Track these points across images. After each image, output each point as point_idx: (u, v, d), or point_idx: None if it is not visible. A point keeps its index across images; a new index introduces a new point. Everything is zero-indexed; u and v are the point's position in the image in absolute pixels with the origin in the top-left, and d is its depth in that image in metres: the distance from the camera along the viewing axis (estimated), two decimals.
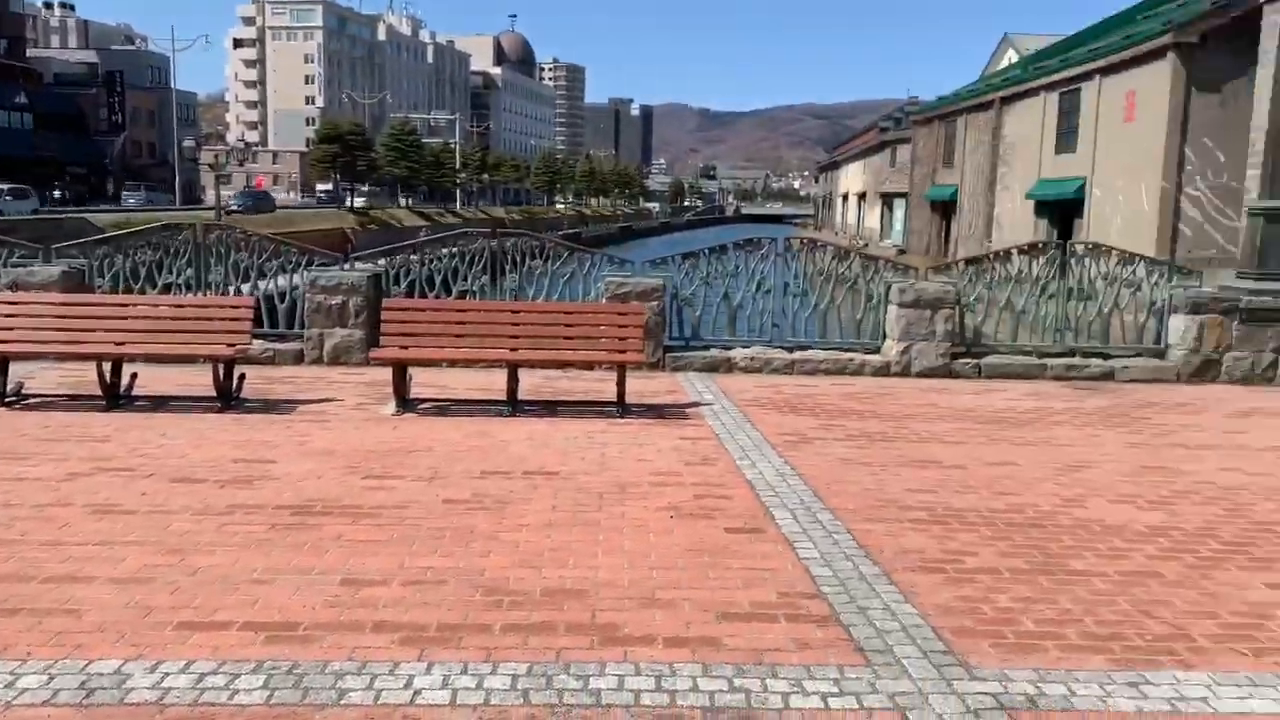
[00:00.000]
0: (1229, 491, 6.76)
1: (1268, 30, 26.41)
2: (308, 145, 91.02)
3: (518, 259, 11.34)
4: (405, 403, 8.78)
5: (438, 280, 11.30)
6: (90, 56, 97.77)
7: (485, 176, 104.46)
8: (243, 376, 9.14)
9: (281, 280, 11.43)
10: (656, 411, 9.03)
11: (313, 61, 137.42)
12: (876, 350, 11.53)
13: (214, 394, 8.77)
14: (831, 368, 11.23)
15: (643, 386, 10.20)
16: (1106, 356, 11.50)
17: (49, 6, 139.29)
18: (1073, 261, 11.43)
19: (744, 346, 11.52)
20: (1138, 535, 5.77)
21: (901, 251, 62.61)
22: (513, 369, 8.69)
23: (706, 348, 11.52)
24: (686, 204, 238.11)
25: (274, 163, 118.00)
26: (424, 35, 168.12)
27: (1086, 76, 36.94)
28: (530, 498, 6.23)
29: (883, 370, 11.23)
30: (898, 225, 70.52)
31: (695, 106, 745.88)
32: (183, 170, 72.33)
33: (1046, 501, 6.41)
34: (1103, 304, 11.45)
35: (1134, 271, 11.45)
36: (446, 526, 5.59)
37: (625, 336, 8.96)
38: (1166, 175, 31.52)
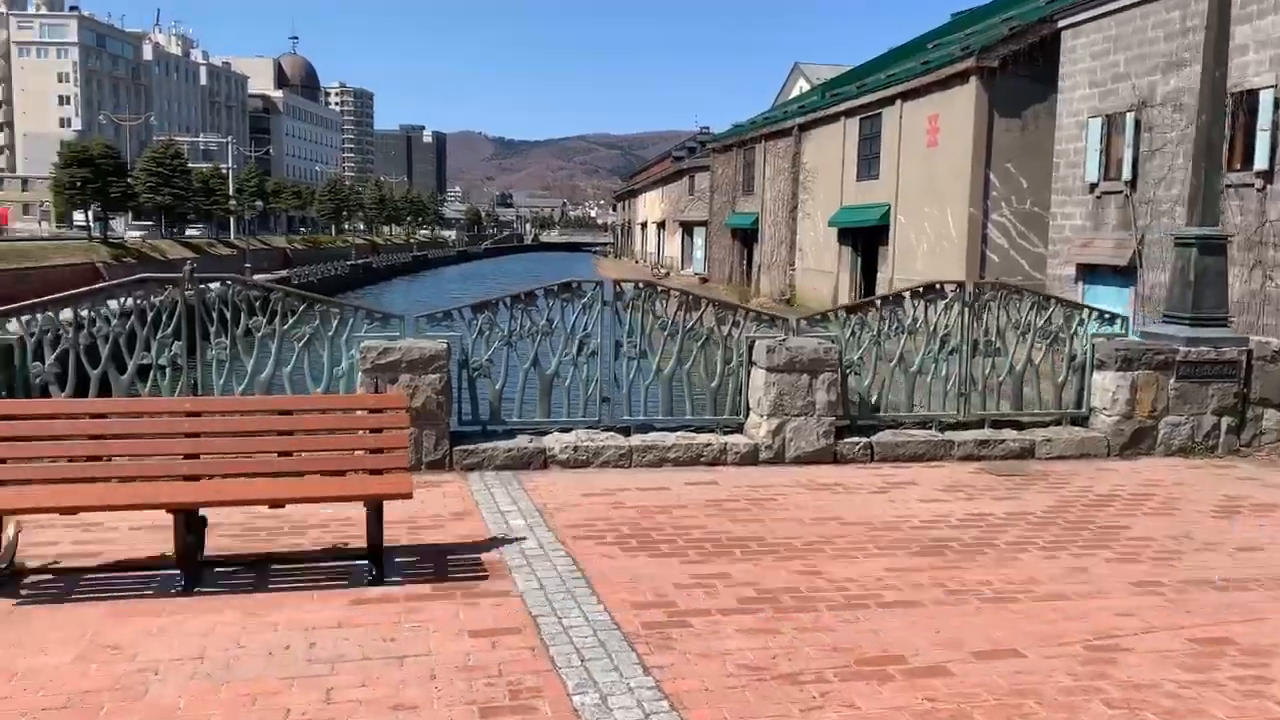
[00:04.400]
0: None
1: (1067, 54, 25.89)
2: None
3: (229, 316, 7.77)
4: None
5: (104, 350, 7.56)
6: None
7: (260, 204, 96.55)
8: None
9: None
10: (435, 564, 5.73)
11: (68, 81, 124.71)
12: (739, 428, 8.65)
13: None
14: (684, 456, 8.24)
15: (419, 504, 6.86)
16: (1020, 426, 9.07)
17: None
18: (976, 306, 8.94)
19: (563, 430, 8.38)
20: None
21: (704, 280, 61.46)
22: (186, 517, 5.18)
23: (511, 434, 8.30)
24: (484, 232, 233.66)
25: (24, 190, 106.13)
26: (196, 55, 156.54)
27: (887, 102, 36.33)
28: None
29: (750, 457, 8.34)
30: (699, 253, 69.60)
31: (490, 135, 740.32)
32: None
33: None
34: (1014, 359, 9.01)
35: (1049, 318, 9.08)
36: None
37: (382, 447, 5.65)
38: (973, 201, 30.88)
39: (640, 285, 8.46)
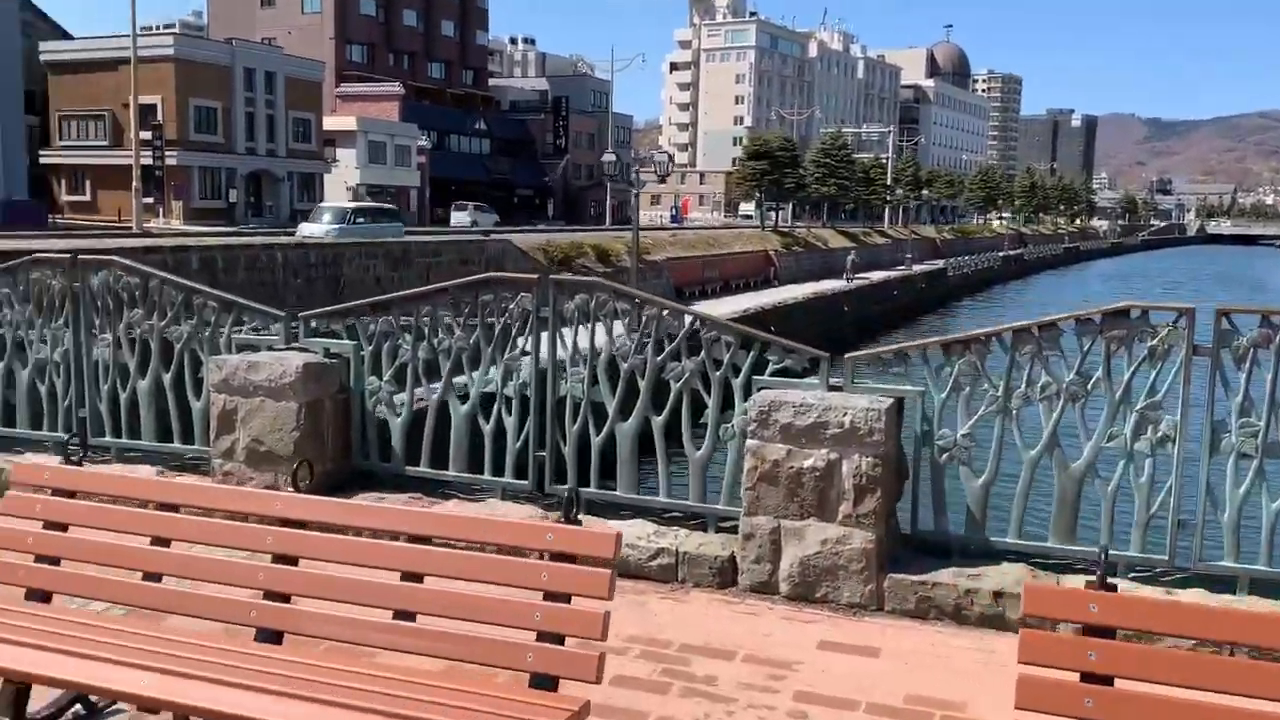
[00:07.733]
0: None
1: None
2: (733, 165, 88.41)
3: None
4: None
5: (1050, 414, 4.72)
6: (542, 84, 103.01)
7: (924, 193, 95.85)
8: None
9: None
10: None
11: (743, 81, 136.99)
12: None
13: None
14: None
15: None
16: None
17: (514, 42, 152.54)
18: None
19: None
20: None
21: None
22: None
23: None
24: (1137, 222, 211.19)
25: (701, 183, 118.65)
26: (855, 50, 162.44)
27: None
28: None
29: None
30: None
31: (1142, 116, 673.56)
32: (615, 192, 71.87)
33: None
34: None
35: None
36: None
37: None
38: None
39: None
